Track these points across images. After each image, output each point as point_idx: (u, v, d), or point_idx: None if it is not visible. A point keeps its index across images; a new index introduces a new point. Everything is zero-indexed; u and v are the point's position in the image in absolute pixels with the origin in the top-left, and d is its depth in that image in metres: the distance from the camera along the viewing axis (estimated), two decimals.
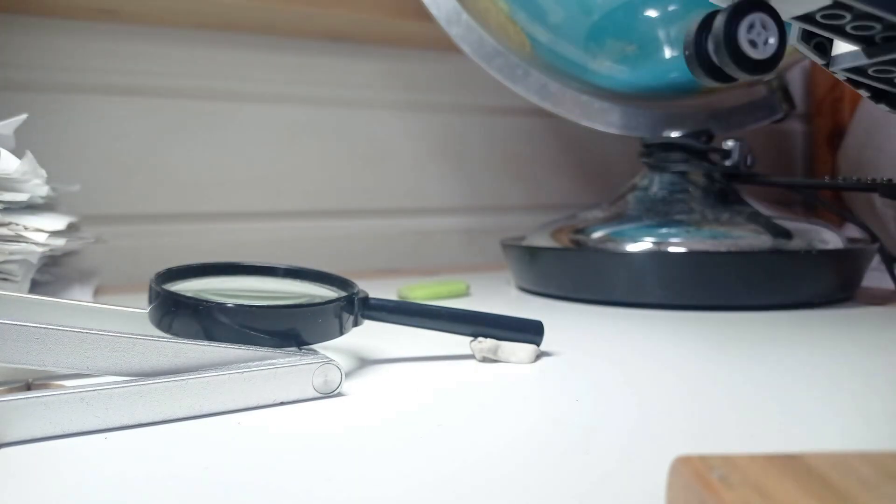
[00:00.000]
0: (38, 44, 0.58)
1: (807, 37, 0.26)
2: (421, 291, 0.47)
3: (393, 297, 0.30)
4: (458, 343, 0.32)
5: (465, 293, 0.49)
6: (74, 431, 0.21)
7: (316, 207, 0.69)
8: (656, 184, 0.49)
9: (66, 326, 0.22)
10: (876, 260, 0.47)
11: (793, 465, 0.13)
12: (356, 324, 0.28)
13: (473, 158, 0.76)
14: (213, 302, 0.25)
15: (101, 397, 0.21)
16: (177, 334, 0.25)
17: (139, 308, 0.28)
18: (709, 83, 0.24)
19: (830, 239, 0.45)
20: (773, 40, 0.23)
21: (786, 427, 0.21)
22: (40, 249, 0.36)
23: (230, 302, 0.25)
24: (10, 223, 0.35)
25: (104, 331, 0.22)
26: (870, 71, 0.26)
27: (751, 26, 0.23)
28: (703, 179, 0.48)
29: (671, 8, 0.41)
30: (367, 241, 0.71)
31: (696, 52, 0.23)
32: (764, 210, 0.47)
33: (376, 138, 0.71)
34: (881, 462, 0.12)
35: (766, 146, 0.90)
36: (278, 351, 0.25)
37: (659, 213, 0.46)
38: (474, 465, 0.18)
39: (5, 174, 0.35)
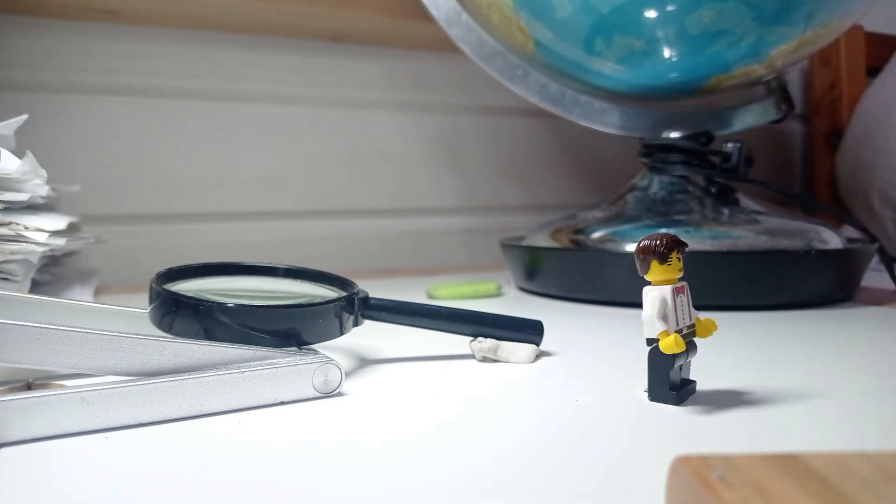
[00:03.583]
0: (38, 44, 0.58)
1: None
2: (448, 290, 0.47)
3: (393, 296, 0.30)
4: (458, 343, 0.32)
5: (495, 293, 0.49)
6: (75, 431, 0.21)
7: (316, 207, 0.69)
8: (656, 184, 0.49)
9: (67, 326, 0.22)
10: (875, 260, 0.47)
11: (792, 465, 0.13)
12: (356, 324, 0.28)
13: (473, 158, 0.76)
14: (213, 302, 0.25)
15: (101, 397, 0.21)
16: (177, 334, 0.25)
17: (139, 308, 0.28)
18: None
19: (830, 239, 0.45)
20: None
21: (785, 427, 0.21)
22: (41, 249, 0.36)
23: (230, 302, 0.25)
24: (10, 223, 0.35)
25: (105, 331, 0.22)
26: None
27: None
28: (703, 179, 0.48)
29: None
30: (366, 241, 0.71)
31: None
32: (763, 210, 0.47)
33: (376, 138, 0.71)
34: (881, 462, 0.12)
35: (765, 147, 0.90)
36: (278, 351, 0.25)
37: (658, 213, 0.46)
38: (474, 465, 0.18)
39: (6, 174, 0.35)
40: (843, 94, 0.84)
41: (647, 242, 0.23)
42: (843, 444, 0.19)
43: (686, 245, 0.23)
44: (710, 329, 0.24)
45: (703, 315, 0.24)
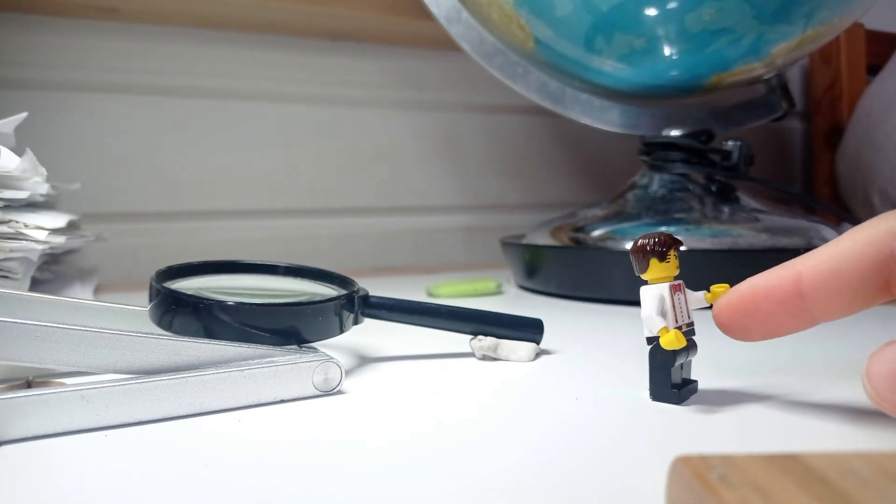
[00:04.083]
0: (38, 42, 0.58)
1: None
2: (448, 289, 0.47)
3: (393, 295, 0.30)
4: (458, 341, 0.32)
5: (495, 291, 0.49)
6: (75, 429, 0.21)
7: (316, 206, 0.69)
8: (656, 182, 0.49)
9: (67, 324, 0.22)
10: None
11: (792, 465, 0.13)
12: (356, 322, 0.28)
13: (473, 157, 0.76)
14: (213, 300, 0.25)
15: (101, 395, 0.21)
16: (177, 332, 0.25)
17: (139, 306, 0.28)
18: None
19: (830, 237, 0.45)
20: None
21: (785, 427, 0.21)
22: (40, 247, 0.36)
23: (230, 300, 0.25)
24: (10, 221, 0.35)
25: (104, 329, 0.22)
26: None
27: None
28: (703, 178, 0.48)
29: None
30: (367, 240, 0.71)
31: None
32: (763, 208, 0.47)
33: (376, 136, 0.71)
34: (881, 462, 0.12)
35: (765, 145, 0.90)
36: (278, 349, 0.25)
37: (658, 212, 0.46)
38: (474, 464, 0.18)
39: (5, 172, 0.35)
40: (843, 93, 0.84)
41: (644, 241, 0.23)
42: (843, 444, 0.19)
43: (681, 243, 0.23)
44: (720, 293, 0.23)
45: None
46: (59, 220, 0.39)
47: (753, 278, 0.21)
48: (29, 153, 0.36)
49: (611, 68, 0.46)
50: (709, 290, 0.23)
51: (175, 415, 0.22)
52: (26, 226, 0.36)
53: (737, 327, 0.22)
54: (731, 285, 0.22)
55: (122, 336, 0.22)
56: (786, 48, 0.44)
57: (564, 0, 0.42)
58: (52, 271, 0.47)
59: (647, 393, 0.24)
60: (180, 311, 0.25)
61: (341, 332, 0.27)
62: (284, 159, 0.67)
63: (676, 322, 0.22)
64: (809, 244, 0.43)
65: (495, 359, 0.30)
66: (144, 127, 0.62)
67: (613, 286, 0.43)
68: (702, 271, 0.41)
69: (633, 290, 0.23)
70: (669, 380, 0.23)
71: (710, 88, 0.49)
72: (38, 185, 0.37)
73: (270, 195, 0.67)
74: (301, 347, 0.26)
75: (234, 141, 0.65)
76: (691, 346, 0.23)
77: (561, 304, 0.44)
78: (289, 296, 0.30)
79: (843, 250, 0.20)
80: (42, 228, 0.36)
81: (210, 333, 0.24)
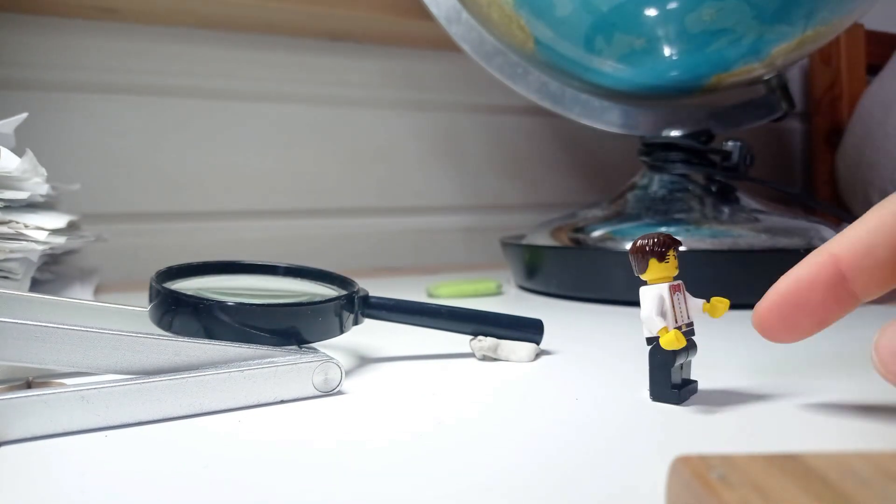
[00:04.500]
0: (38, 42, 0.58)
1: None
2: (448, 289, 0.47)
3: (393, 295, 0.30)
4: (458, 341, 0.32)
5: (496, 292, 0.49)
6: (75, 430, 0.21)
7: (316, 206, 0.69)
8: (656, 182, 0.49)
9: (67, 325, 0.22)
10: None
11: (792, 465, 0.13)
12: (356, 322, 0.28)
13: (473, 157, 0.76)
14: (213, 300, 0.25)
15: (101, 396, 0.21)
16: (177, 332, 0.25)
17: (139, 306, 0.28)
18: None
19: (829, 237, 0.44)
20: None
21: (785, 427, 0.21)
22: (41, 247, 0.36)
23: (230, 300, 0.25)
24: (10, 221, 0.35)
25: (104, 329, 0.22)
26: None
27: None
28: (703, 178, 0.48)
29: None
30: (367, 240, 0.71)
31: None
32: (763, 209, 0.47)
33: (376, 137, 0.71)
34: (881, 462, 0.12)
35: (765, 145, 0.90)
36: (278, 349, 0.25)
37: (658, 212, 0.46)
38: (474, 464, 0.18)
39: (6, 172, 0.35)
40: (843, 93, 0.84)
41: (643, 241, 0.23)
42: (843, 444, 0.19)
43: (680, 243, 0.23)
44: (720, 308, 0.23)
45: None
46: (59, 220, 0.39)
47: (789, 274, 0.21)
48: (29, 154, 0.36)
49: (611, 69, 0.46)
50: (708, 301, 0.23)
51: (175, 415, 0.22)
52: (26, 226, 0.36)
53: (786, 326, 0.21)
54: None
55: (122, 336, 0.22)
56: (786, 48, 0.44)
57: (564, 0, 0.42)
58: (52, 272, 0.47)
59: (647, 393, 0.24)
60: (180, 312, 0.25)
61: (341, 332, 0.27)
62: (284, 159, 0.67)
63: (676, 322, 0.22)
64: (809, 244, 0.43)
65: (495, 359, 0.30)
66: (144, 127, 0.62)
67: (613, 286, 0.43)
68: (702, 272, 0.41)
69: (632, 291, 0.23)
70: (669, 380, 0.23)
71: (710, 89, 0.49)
72: (38, 186, 0.37)
73: (270, 195, 0.67)
74: (301, 348, 0.26)
75: (234, 141, 0.65)
76: (691, 347, 0.23)
77: (561, 305, 0.44)
78: (289, 296, 0.30)
79: (874, 227, 0.19)
80: (42, 229, 0.36)
81: (210, 334, 0.24)
